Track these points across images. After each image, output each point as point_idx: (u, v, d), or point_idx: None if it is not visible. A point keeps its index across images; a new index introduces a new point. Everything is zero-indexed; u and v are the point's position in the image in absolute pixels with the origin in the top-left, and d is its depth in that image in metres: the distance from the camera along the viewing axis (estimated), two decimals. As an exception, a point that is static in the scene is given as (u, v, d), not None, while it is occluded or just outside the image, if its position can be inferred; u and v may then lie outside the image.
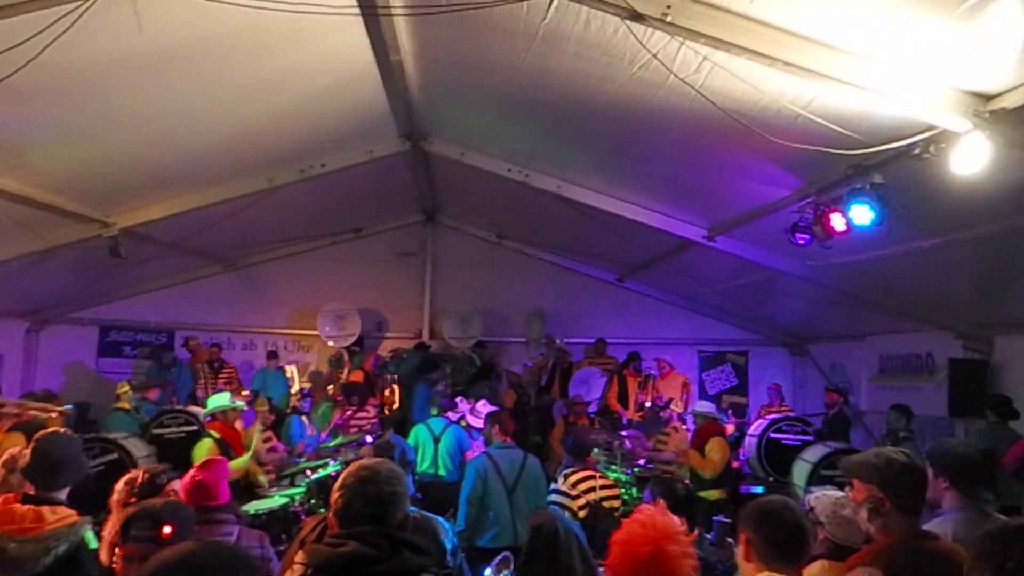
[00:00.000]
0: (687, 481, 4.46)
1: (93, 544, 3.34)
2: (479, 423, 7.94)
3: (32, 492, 3.34)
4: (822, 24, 4.19)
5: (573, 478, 5.83)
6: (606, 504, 5.63)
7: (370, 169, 9.45)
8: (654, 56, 4.87)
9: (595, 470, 5.91)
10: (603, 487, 5.79)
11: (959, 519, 3.42)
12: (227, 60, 5.87)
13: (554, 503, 5.62)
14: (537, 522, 3.77)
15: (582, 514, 5.41)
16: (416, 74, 7.12)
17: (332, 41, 6.16)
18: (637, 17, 4.38)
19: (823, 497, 3.36)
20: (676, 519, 2.91)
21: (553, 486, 5.86)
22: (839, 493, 3.39)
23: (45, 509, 3.21)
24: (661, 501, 3.79)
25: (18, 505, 3.23)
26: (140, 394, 9.36)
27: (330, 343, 12.89)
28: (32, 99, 5.41)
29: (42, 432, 3.62)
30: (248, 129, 7.48)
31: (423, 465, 8.34)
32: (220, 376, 12.20)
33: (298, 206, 10.51)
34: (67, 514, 3.28)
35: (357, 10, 5.49)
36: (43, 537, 3.09)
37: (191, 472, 4.39)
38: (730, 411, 12.14)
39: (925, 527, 3.22)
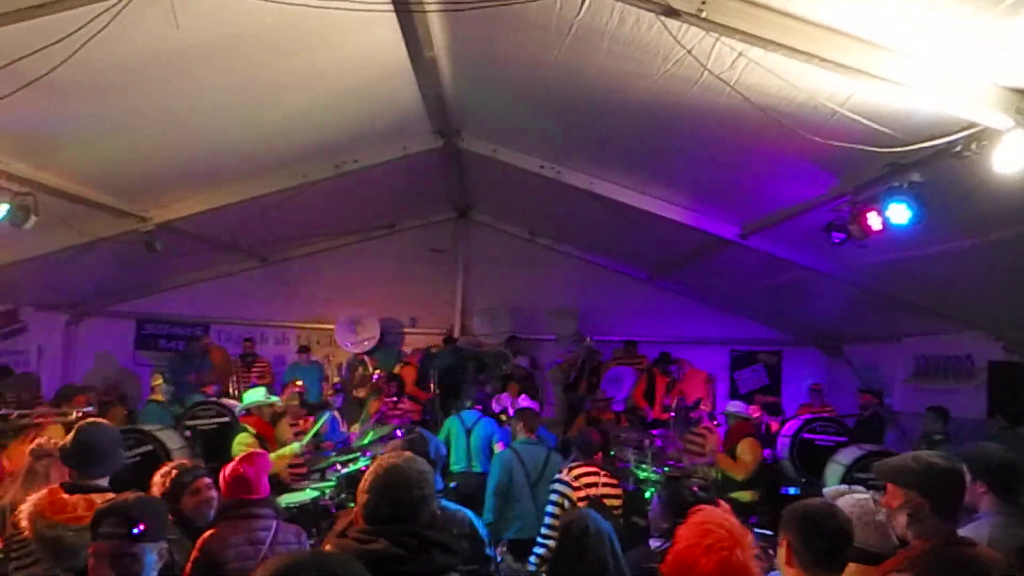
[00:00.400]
0: (696, 488, 4.40)
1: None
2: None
3: (70, 481, 3.40)
4: (860, 20, 4.12)
5: (576, 471, 5.92)
6: (606, 501, 5.70)
7: (403, 165, 9.49)
8: (688, 52, 4.83)
9: (601, 468, 6.03)
10: (605, 484, 5.88)
11: (996, 524, 3.36)
12: (262, 56, 5.92)
13: (555, 491, 5.76)
14: (569, 519, 3.78)
15: (580, 506, 5.45)
16: (449, 70, 7.14)
17: (366, 37, 6.19)
18: (672, 13, 4.34)
19: (852, 501, 3.30)
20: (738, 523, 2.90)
21: (556, 476, 5.97)
22: (864, 496, 3.33)
23: (95, 497, 3.24)
24: (723, 503, 3.74)
25: (67, 495, 3.27)
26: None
27: (349, 349, 12.94)
28: (70, 95, 5.50)
29: (83, 422, 3.69)
30: (283, 125, 7.55)
31: (455, 457, 8.40)
32: (253, 370, 12.33)
33: (332, 202, 10.57)
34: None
35: (391, 6, 5.51)
36: None
37: (233, 465, 4.43)
38: (762, 411, 12.00)
39: (961, 532, 3.16)
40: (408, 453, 2.83)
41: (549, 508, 5.73)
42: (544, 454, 6.62)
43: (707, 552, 3.03)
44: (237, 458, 4.57)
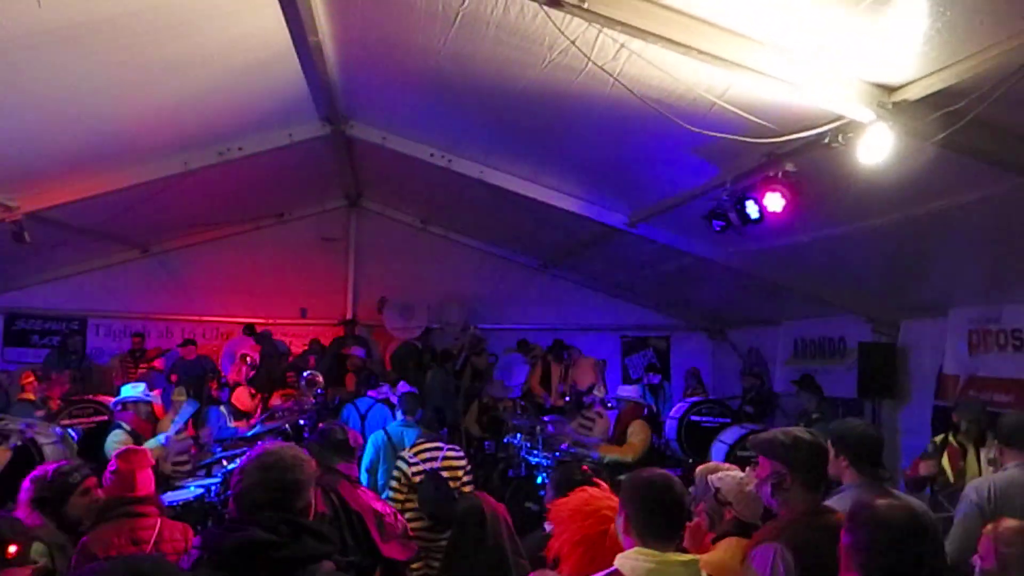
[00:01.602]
0: (586, 467, 4.51)
1: None
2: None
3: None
4: (735, 13, 4.26)
5: (417, 447, 6.24)
6: (446, 474, 5.99)
7: (291, 153, 9.26)
8: (572, 43, 4.89)
9: (443, 444, 6.37)
10: (446, 458, 6.14)
11: (858, 495, 3.55)
12: (138, 37, 5.65)
13: (396, 467, 6.13)
14: (463, 508, 3.81)
15: (416, 479, 5.90)
16: (336, 56, 7.00)
17: (248, 20, 6.01)
18: (555, 3, 4.37)
19: (727, 478, 3.44)
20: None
21: (400, 454, 6.30)
22: (741, 473, 3.49)
23: None
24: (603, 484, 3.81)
25: None
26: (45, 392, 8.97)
27: (398, 335, 12.74)
28: (-75, 75, 5.15)
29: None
30: (162, 110, 7.24)
31: None
32: (141, 366, 11.84)
33: (218, 190, 10.24)
34: None
35: (272, -12, 5.37)
36: None
37: (111, 462, 4.25)
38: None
39: (827, 503, 3.34)
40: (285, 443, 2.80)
41: (390, 484, 6.11)
42: (415, 435, 6.82)
43: (586, 518, 3.10)
44: (115, 454, 4.39)
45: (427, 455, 6.12)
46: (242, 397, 9.60)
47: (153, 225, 11.31)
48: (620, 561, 2.64)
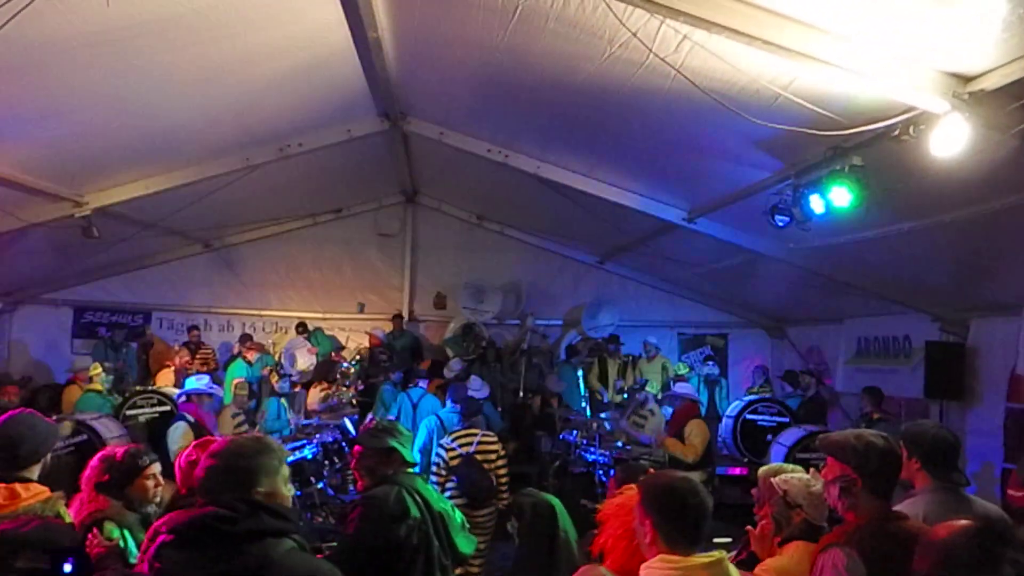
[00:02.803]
0: (652, 470, 4.47)
1: (68, 518, 3.32)
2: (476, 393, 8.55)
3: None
4: (802, 3, 4.14)
5: (456, 434, 6.78)
6: (478, 457, 6.54)
7: (349, 149, 9.36)
8: (633, 35, 4.81)
9: (477, 427, 6.88)
10: (481, 443, 6.64)
11: (930, 500, 3.43)
12: (200, 36, 5.75)
13: (437, 454, 6.67)
14: (532, 501, 3.80)
15: (453, 463, 6.47)
16: (394, 52, 7.03)
17: (309, 17, 6.07)
18: (617, -6, 4.32)
19: (793, 479, 3.35)
20: None
21: (440, 441, 6.88)
22: (806, 475, 3.40)
23: (18, 486, 3.18)
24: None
25: None
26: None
27: (468, 317, 12.84)
28: (-1, 73, 5.30)
29: (9, 413, 3.57)
30: (225, 107, 7.38)
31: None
32: (197, 357, 12.08)
33: (278, 185, 10.39)
34: (40, 490, 3.24)
35: (333, -15, 5.40)
36: (19, 513, 3.06)
37: (187, 452, 4.30)
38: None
39: (898, 507, 3.23)
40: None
41: (432, 468, 6.67)
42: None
43: (630, 513, 3.04)
44: (193, 444, 4.45)
45: (464, 440, 6.65)
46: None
47: (215, 220, 11.52)
48: (645, 573, 2.59)
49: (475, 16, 5.67)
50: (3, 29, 4.36)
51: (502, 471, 6.71)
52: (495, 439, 6.90)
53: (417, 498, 3.84)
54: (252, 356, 11.43)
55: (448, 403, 7.85)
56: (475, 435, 6.74)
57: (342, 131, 8.90)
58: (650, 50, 4.93)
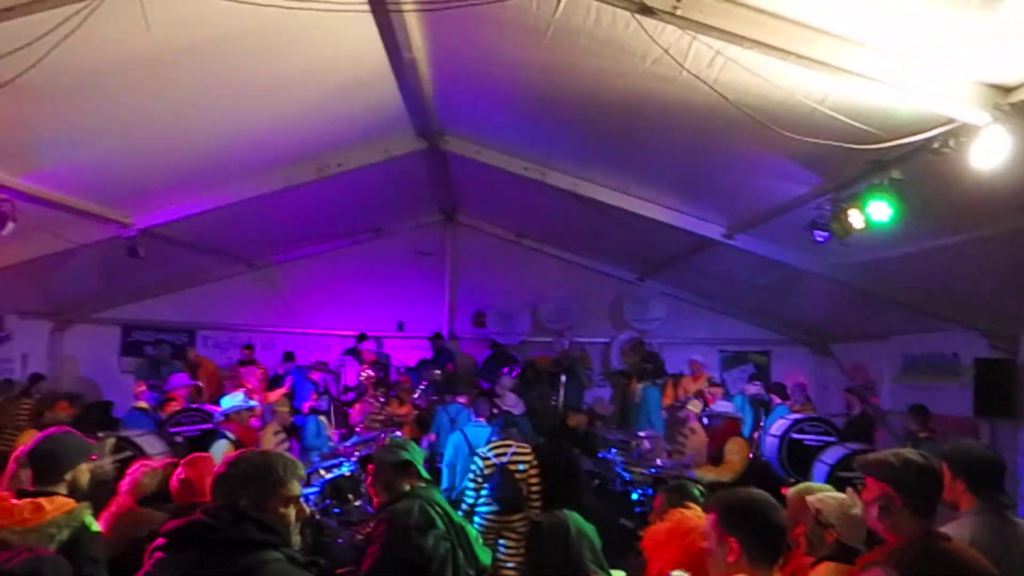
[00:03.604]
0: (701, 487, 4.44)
1: (94, 527, 3.41)
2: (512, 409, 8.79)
3: (30, 488, 3.39)
4: (835, 16, 4.11)
5: (492, 444, 7.08)
6: (510, 467, 6.83)
7: (388, 168, 9.44)
8: (665, 51, 4.81)
9: (513, 440, 7.11)
10: (515, 454, 6.93)
11: (977, 522, 3.33)
12: (238, 59, 5.88)
13: (474, 463, 6.98)
14: (546, 524, 3.78)
15: (488, 471, 6.80)
16: (430, 72, 7.10)
17: (344, 39, 6.15)
18: (646, 11, 4.31)
19: (828, 499, 3.28)
20: None
21: (477, 451, 7.20)
22: (842, 495, 3.32)
23: (43, 500, 3.26)
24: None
25: (15, 500, 3.28)
26: None
27: (498, 340, 12.95)
28: (43, 100, 5.46)
29: (45, 430, 3.67)
30: (263, 129, 7.49)
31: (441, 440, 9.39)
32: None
33: (318, 206, 10.52)
34: (65, 503, 3.32)
35: (367, 7, 5.47)
36: (44, 526, 3.15)
37: (177, 470, 4.42)
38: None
39: (943, 529, 3.14)
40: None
41: (469, 476, 7.00)
42: (487, 433, 7.75)
43: (684, 537, 3.00)
44: (182, 462, 4.53)
45: (499, 451, 6.96)
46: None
47: (257, 240, 11.69)
48: None
49: (508, 35, 5.71)
50: (48, 56, 4.50)
51: (533, 480, 6.98)
52: (529, 451, 7.16)
53: (439, 510, 3.89)
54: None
55: (472, 418, 8.36)
56: (510, 446, 7.02)
57: (380, 151, 8.99)
58: (682, 66, 4.91)
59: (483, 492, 6.84)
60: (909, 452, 3.00)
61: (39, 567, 2.71)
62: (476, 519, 6.89)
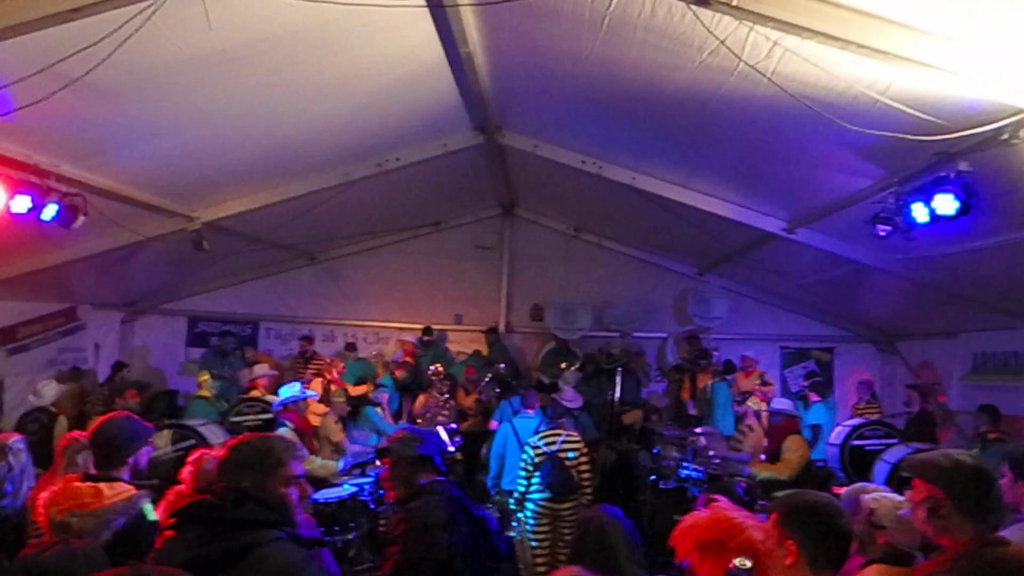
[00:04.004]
0: (744, 485, 4.43)
1: (152, 516, 3.49)
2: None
3: (93, 472, 3.50)
4: (896, 3, 3.99)
5: (543, 433, 7.41)
6: (560, 455, 7.16)
7: (446, 162, 9.52)
8: (722, 42, 4.73)
9: (563, 429, 7.44)
10: (565, 442, 7.26)
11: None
12: (297, 57, 5.97)
13: (526, 450, 7.31)
14: (587, 515, 3.79)
15: (539, 459, 7.15)
16: (486, 66, 7.12)
17: (401, 35, 6.21)
18: (702, 2, 4.28)
19: (884, 499, 3.20)
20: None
21: (528, 440, 7.47)
22: (900, 497, 3.23)
23: (103, 485, 3.35)
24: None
25: (79, 483, 3.38)
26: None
27: (558, 335, 12.88)
28: (110, 97, 5.63)
29: (106, 416, 3.79)
30: (323, 124, 7.62)
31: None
32: (309, 367, 12.42)
33: (377, 200, 10.66)
34: (124, 489, 3.40)
35: (424, 3, 5.52)
36: (102, 511, 3.22)
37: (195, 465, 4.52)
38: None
39: (1002, 533, 3.03)
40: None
41: (521, 463, 7.35)
42: (535, 424, 8.03)
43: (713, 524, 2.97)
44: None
45: (549, 439, 7.30)
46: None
47: (319, 234, 11.88)
48: None
49: (564, 28, 5.69)
50: (114, 54, 4.65)
51: (584, 468, 7.31)
52: (578, 439, 7.46)
53: (458, 504, 3.85)
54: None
55: (520, 409, 8.75)
56: (560, 435, 7.32)
57: (438, 145, 9.07)
58: (739, 58, 4.83)
59: (534, 480, 7.14)
60: (960, 453, 2.92)
61: (72, 559, 2.77)
62: (529, 506, 7.24)
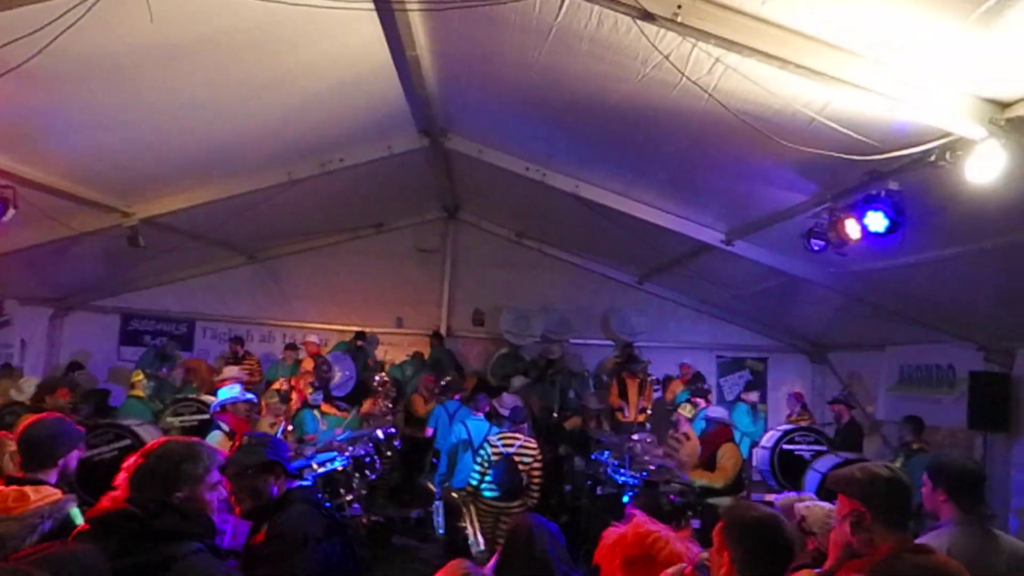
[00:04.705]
0: (673, 496, 4.54)
1: (79, 520, 3.32)
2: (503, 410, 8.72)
3: (19, 475, 3.40)
4: (835, 27, 4.12)
5: (501, 435, 7.71)
6: (516, 458, 7.48)
7: (390, 164, 9.47)
8: (666, 57, 4.83)
9: (522, 434, 7.75)
10: (522, 447, 7.58)
11: (956, 533, 3.36)
12: (243, 54, 5.90)
13: (483, 449, 7.65)
14: (514, 523, 3.83)
15: (495, 459, 7.46)
16: (433, 70, 7.12)
17: (348, 36, 6.18)
18: (648, 17, 4.33)
19: (815, 507, 3.31)
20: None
21: (488, 438, 7.79)
22: (829, 505, 3.34)
23: (28, 489, 3.25)
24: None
25: (2, 487, 3.27)
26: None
27: (510, 340, 12.91)
28: (49, 86, 5.48)
29: (32, 417, 3.68)
30: (267, 122, 7.53)
31: (440, 435, 9.85)
32: (242, 367, 12.21)
33: (320, 200, 10.56)
34: (50, 493, 3.30)
35: (371, 6, 5.50)
36: (26, 515, 3.12)
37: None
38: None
39: (921, 540, 3.16)
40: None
41: (477, 460, 7.69)
42: (486, 427, 8.44)
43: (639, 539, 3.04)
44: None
45: (507, 441, 7.61)
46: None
47: (259, 233, 11.72)
48: None
49: (511, 36, 5.73)
50: (53, 43, 4.53)
51: (536, 473, 7.62)
52: (535, 445, 7.77)
53: (324, 511, 3.57)
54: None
55: (472, 413, 9.02)
56: (518, 439, 7.65)
57: (383, 147, 9.03)
58: (682, 73, 4.93)
59: (487, 478, 7.46)
60: (875, 466, 3.00)
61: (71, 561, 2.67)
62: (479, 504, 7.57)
